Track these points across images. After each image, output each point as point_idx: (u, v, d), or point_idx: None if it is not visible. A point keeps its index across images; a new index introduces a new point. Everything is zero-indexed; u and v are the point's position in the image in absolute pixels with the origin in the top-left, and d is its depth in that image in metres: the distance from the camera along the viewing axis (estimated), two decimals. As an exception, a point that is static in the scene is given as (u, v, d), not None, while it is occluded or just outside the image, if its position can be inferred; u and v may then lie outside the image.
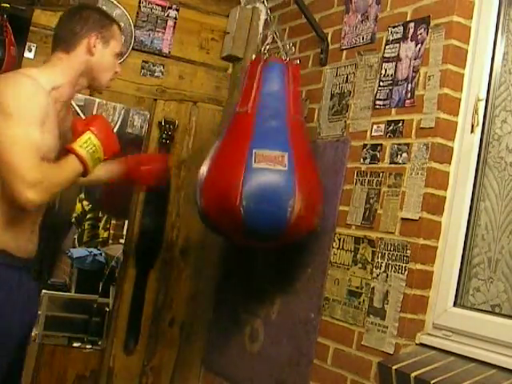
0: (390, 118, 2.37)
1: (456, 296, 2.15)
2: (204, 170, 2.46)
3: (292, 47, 2.74)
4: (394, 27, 2.43)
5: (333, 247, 2.50)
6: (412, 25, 2.35)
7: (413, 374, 1.97)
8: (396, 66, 2.39)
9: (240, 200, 2.27)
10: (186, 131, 3.40)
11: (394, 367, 2.05)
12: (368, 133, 2.46)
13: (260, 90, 2.49)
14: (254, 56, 2.68)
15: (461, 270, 2.16)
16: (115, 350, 3.27)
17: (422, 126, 2.23)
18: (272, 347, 2.72)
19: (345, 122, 2.59)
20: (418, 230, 2.17)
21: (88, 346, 3.42)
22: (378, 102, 2.44)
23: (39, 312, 3.47)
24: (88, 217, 4.14)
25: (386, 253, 2.25)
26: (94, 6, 2.21)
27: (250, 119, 2.44)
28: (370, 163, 2.42)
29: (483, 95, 2.18)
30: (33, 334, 3.36)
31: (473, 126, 2.18)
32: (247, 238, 2.42)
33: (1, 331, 1.93)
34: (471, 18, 2.24)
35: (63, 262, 4.20)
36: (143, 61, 3.28)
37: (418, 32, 2.32)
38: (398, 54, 2.39)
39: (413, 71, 2.31)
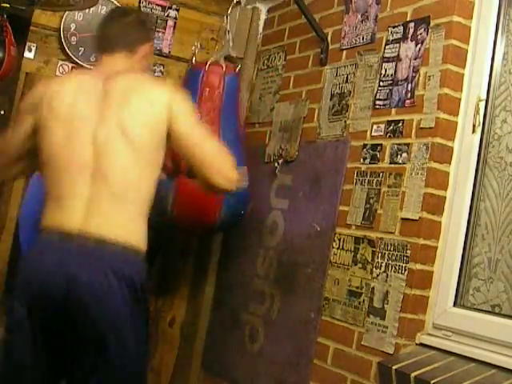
0: (390, 118, 2.38)
1: (456, 296, 2.15)
2: None
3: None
4: (393, 27, 2.43)
5: (333, 247, 2.50)
6: (412, 25, 2.35)
7: (413, 374, 1.97)
8: (396, 66, 2.39)
9: None
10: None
11: (394, 367, 2.05)
12: (368, 133, 2.46)
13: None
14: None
15: (461, 269, 2.16)
16: (115, 349, 3.27)
17: (421, 125, 2.23)
18: (272, 347, 2.72)
19: (345, 122, 2.59)
20: (418, 230, 2.17)
21: (88, 346, 3.42)
22: (377, 102, 2.44)
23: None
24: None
25: (386, 253, 2.25)
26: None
27: None
28: (370, 163, 2.42)
29: (483, 95, 2.18)
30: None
31: (474, 126, 2.18)
32: None
33: None
34: (471, 18, 2.24)
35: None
36: (143, 61, 3.28)
37: (418, 32, 2.32)
38: (398, 54, 2.39)
39: (413, 71, 2.31)
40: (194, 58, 3.06)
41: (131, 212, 1.94)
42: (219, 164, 1.99)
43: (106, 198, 1.91)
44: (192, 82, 2.88)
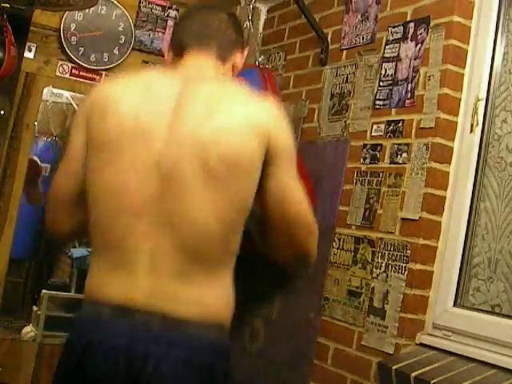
0: (389, 118, 2.37)
1: (456, 296, 2.15)
2: None
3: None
4: (393, 27, 2.43)
5: (333, 247, 2.50)
6: (412, 25, 2.35)
7: (413, 374, 1.97)
8: (396, 66, 2.39)
9: None
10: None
11: (393, 367, 2.05)
12: (368, 133, 2.46)
13: None
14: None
15: (461, 269, 2.16)
16: (115, 350, 3.26)
17: (421, 126, 2.23)
18: (272, 347, 2.72)
19: (345, 122, 2.59)
20: (417, 230, 2.17)
21: (88, 346, 3.41)
22: (377, 102, 2.44)
23: (39, 312, 3.48)
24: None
25: (386, 253, 2.25)
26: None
27: None
28: (370, 163, 2.42)
29: (483, 95, 2.18)
30: (33, 334, 3.37)
31: (472, 125, 2.18)
32: None
33: None
34: (471, 18, 2.24)
35: (63, 262, 4.20)
36: (143, 61, 3.28)
37: (418, 32, 2.32)
38: (398, 54, 2.39)
39: (413, 71, 2.31)
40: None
41: (212, 274, 1.41)
42: (306, 237, 1.50)
43: (174, 254, 1.37)
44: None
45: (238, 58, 1.66)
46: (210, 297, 1.40)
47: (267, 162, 1.44)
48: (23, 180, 3.05)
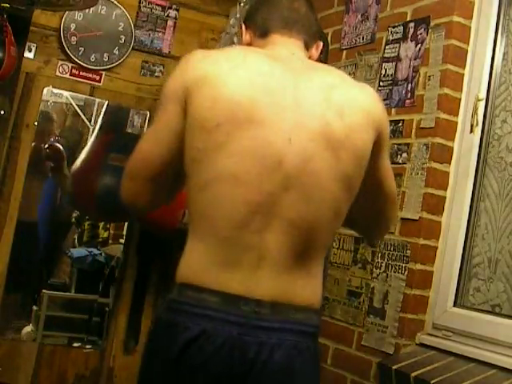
0: (390, 118, 2.35)
1: (456, 296, 2.15)
2: None
3: None
4: (394, 27, 2.43)
5: (333, 247, 2.50)
6: (412, 25, 2.35)
7: (413, 374, 1.97)
8: (396, 66, 2.39)
9: None
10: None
11: (393, 367, 2.05)
12: (368, 133, 2.46)
13: None
14: None
15: (461, 269, 2.16)
16: (115, 350, 3.26)
17: (421, 125, 2.23)
18: (272, 347, 2.72)
19: (345, 121, 2.59)
20: (417, 230, 2.17)
21: (88, 346, 3.42)
22: (378, 102, 2.44)
23: (39, 312, 3.48)
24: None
25: (386, 253, 2.25)
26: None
27: None
28: (370, 163, 2.41)
29: (483, 95, 2.18)
30: (32, 334, 3.38)
31: (472, 125, 2.18)
32: None
33: None
34: (471, 18, 2.24)
35: (63, 261, 4.20)
36: (143, 61, 3.28)
37: (418, 32, 2.32)
38: (398, 54, 2.39)
39: (413, 71, 2.31)
40: None
41: (315, 264, 1.41)
42: (394, 214, 1.65)
43: (287, 252, 1.34)
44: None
45: (314, 51, 1.56)
46: (313, 285, 1.40)
47: (377, 147, 1.43)
48: (23, 180, 3.05)
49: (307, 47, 1.53)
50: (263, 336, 1.31)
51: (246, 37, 1.57)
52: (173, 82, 1.40)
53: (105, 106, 3.59)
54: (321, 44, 1.58)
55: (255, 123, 1.32)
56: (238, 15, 3.32)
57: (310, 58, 1.54)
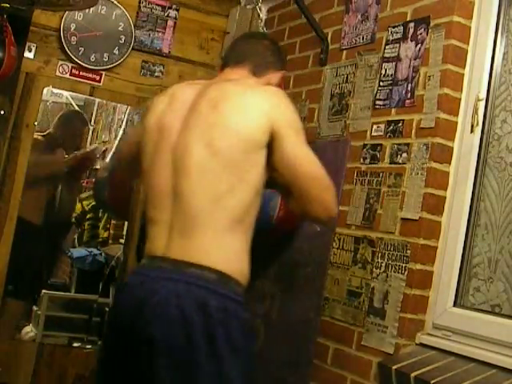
0: (389, 118, 2.38)
1: (456, 296, 2.15)
2: None
3: None
4: (394, 27, 2.43)
5: (333, 247, 2.50)
6: (412, 25, 2.35)
7: (413, 374, 1.97)
8: (396, 66, 2.39)
9: None
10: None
11: (393, 367, 2.05)
12: (368, 133, 2.46)
13: None
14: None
15: (461, 269, 2.16)
16: (115, 349, 3.26)
17: (421, 125, 2.23)
18: (272, 347, 2.72)
19: (345, 122, 2.59)
20: (417, 230, 2.17)
21: (88, 346, 3.42)
22: (377, 102, 2.44)
23: (39, 312, 3.48)
24: (88, 217, 4.14)
25: (386, 253, 2.25)
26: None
27: None
28: (370, 163, 2.42)
29: (483, 95, 2.18)
30: (32, 334, 3.38)
31: (473, 125, 2.18)
32: None
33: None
34: (471, 17, 2.24)
35: (63, 261, 4.20)
36: (143, 61, 3.28)
37: (418, 32, 2.32)
38: (398, 54, 2.39)
39: (413, 71, 2.31)
40: None
41: (216, 236, 1.67)
42: (321, 192, 1.72)
43: (184, 221, 1.68)
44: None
45: (274, 78, 1.95)
46: (211, 250, 1.67)
47: (273, 136, 1.69)
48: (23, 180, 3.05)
49: (255, 75, 1.90)
50: (155, 283, 1.65)
51: (218, 72, 2.01)
52: (143, 114, 1.98)
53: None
54: (277, 73, 1.96)
55: (164, 134, 1.77)
56: (237, 16, 3.33)
57: (269, 83, 1.90)
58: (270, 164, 1.72)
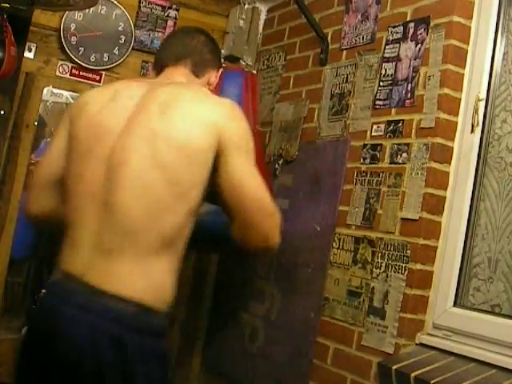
0: (389, 118, 2.38)
1: (456, 296, 2.15)
2: None
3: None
4: (394, 27, 2.43)
5: (333, 247, 2.50)
6: (412, 25, 2.35)
7: (413, 374, 1.97)
8: (396, 66, 2.39)
9: None
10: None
11: (393, 367, 2.05)
12: (368, 133, 2.46)
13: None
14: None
15: (461, 269, 2.16)
16: (115, 349, 3.26)
17: (421, 125, 2.23)
18: (272, 347, 2.72)
19: (345, 122, 2.59)
20: (418, 230, 2.17)
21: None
22: (377, 102, 2.44)
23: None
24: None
25: (386, 253, 2.25)
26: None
27: None
28: (369, 163, 2.42)
29: (483, 95, 2.18)
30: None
31: (473, 125, 2.18)
32: None
33: None
34: (471, 17, 2.24)
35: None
36: (143, 61, 3.28)
37: (418, 32, 2.32)
38: (398, 54, 2.39)
39: (413, 71, 2.31)
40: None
41: (141, 257, 1.55)
42: (264, 218, 1.63)
43: (109, 236, 1.55)
44: (230, 85, 2.73)
45: (213, 77, 1.91)
46: (134, 276, 1.54)
47: (220, 153, 1.59)
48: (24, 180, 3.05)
49: (196, 74, 1.85)
50: (68, 310, 1.53)
51: (152, 75, 1.90)
52: (62, 118, 1.81)
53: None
54: (215, 71, 1.91)
55: (100, 136, 1.63)
56: (237, 16, 3.33)
57: (208, 84, 1.88)
58: (214, 182, 1.61)
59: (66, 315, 1.53)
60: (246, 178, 1.62)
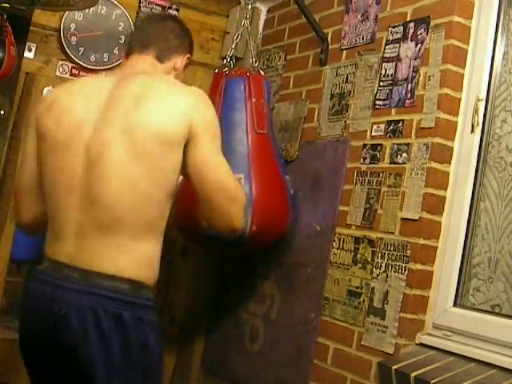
0: (389, 118, 2.38)
1: (456, 296, 2.15)
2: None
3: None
4: (394, 27, 2.43)
5: (333, 247, 2.50)
6: (412, 25, 2.35)
7: (413, 374, 1.97)
8: (396, 66, 2.39)
9: None
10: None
11: (393, 367, 2.05)
12: (368, 133, 2.46)
13: (220, 104, 2.61)
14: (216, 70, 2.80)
15: (461, 269, 2.16)
16: (115, 349, 3.26)
17: (421, 126, 2.23)
18: (272, 347, 2.72)
19: (345, 122, 2.59)
20: (417, 230, 2.17)
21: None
22: (377, 102, 2.44)
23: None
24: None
25: (386, 253, 2.25)
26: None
27: None
28: (369, 163, 2.42)
29: (483, 95, 2.19)
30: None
31: (473, 126, 2.18)
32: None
33: None
34: (471, 18, 2.24)
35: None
36: (143, 61, 3.27)
37: (418, 32, 2.32)
38: (398, 54, 2.39)
39: (413, 71, 2.31)
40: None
41: (127, 240, 1.65)
42: (227, 202, 1.71)
43: (93, 224, 1.64)
44: (232, 92, 2.71)
45: (179, 62, 1.93)
46: (124, 258, 1.65)
47: (189, 139, 1.67)
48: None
49: (160, 60, 1.88)
50: (66, 295, 1.61)
51: (122, 61, 1.95)
52: (29, 119, 1.88)
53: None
54: (182, 56, 1.93)
55: (73, 130, 1.69)
56: (237, 16, 3.33)
57: (174, 68, 1.91)
58: (183, 166, 1.70)
59: (65, 300, 1.62)
60: (212, 163, 1.71)
